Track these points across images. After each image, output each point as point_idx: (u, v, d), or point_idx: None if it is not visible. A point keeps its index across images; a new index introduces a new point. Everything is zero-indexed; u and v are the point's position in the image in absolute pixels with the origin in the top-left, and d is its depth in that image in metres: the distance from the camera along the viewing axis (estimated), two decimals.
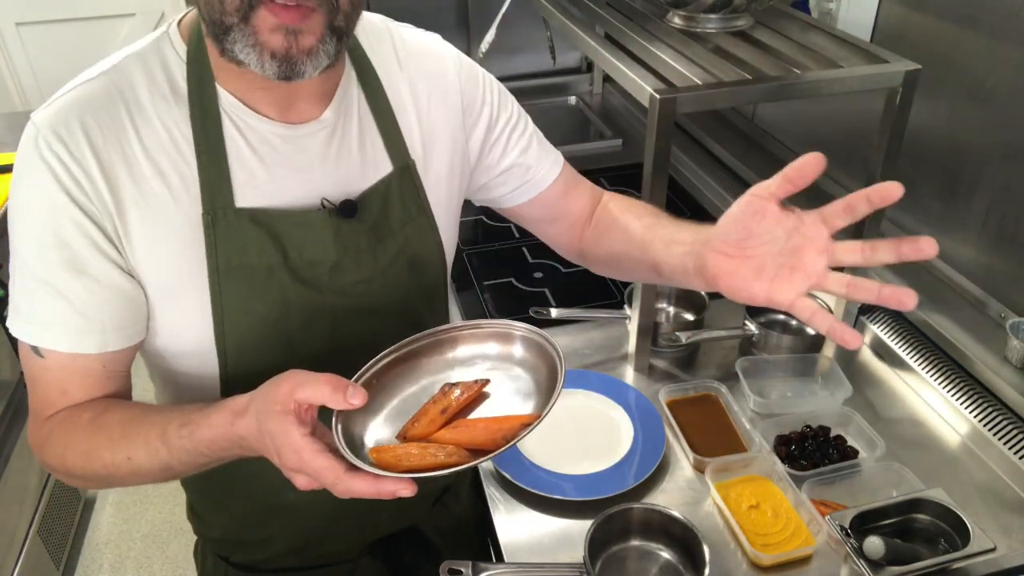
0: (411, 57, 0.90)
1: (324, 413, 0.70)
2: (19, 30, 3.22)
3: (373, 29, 0.89)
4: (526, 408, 0.75)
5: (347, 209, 0.83)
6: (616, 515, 0.94)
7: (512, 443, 0.68)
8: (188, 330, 0.81)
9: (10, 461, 1.88)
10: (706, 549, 0.89)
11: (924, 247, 0.66)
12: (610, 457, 1.08)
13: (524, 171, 0.99)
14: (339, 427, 0.70)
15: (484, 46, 1.73)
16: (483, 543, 1.17)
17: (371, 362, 0.78)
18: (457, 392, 0.76)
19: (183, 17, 0.81)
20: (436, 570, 0.91)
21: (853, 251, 0.69)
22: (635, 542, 0.96)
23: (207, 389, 0.86)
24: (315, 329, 0.85)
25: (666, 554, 0.95)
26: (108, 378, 0.81)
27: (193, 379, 0.86)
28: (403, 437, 0.74)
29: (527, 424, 0.69)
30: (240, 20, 0.67)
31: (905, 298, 0.66)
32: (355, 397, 0.68)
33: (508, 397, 0.77)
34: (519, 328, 0.80)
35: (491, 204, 1.04)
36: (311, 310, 0.84)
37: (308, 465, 0.66)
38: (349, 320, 0.87)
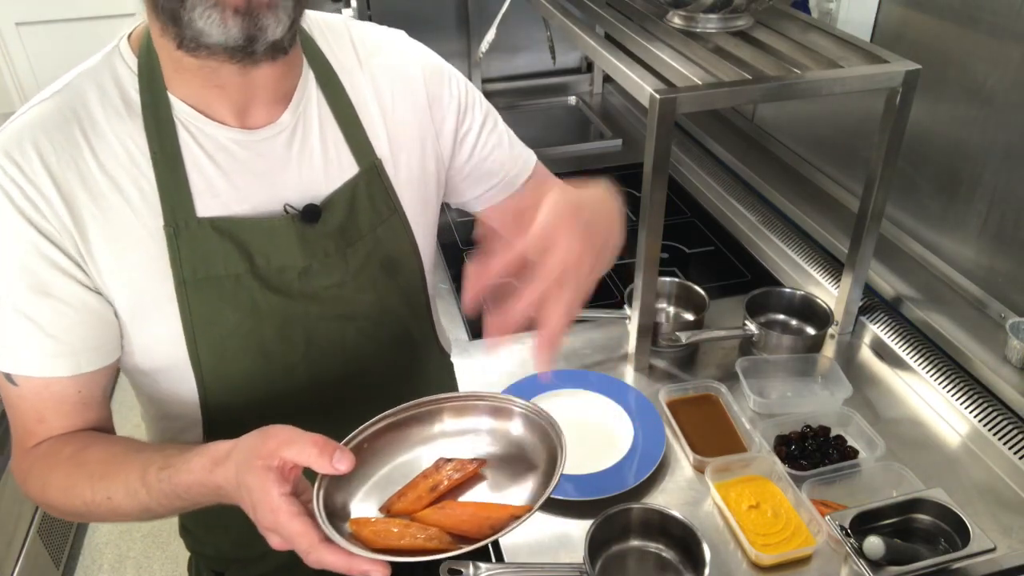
0: (372, 55, 0.88)
1: (311, 471, 0.68)
2: (19, 30, 3.22)
3: (331, 29, 0.88)
4: (520, 493, 0.72)
5: (310, 214, 0.81)
6: (616, 515, 0.94)
7: (498, 535, 0.65)
8: (160, 345, 0.80)
9: (10, 461, 1.88)
10: (706, 549, 0.89)
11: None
12: (610, 457, 1.08)
13: (498, 168, 0.97)
14: (321, 492, 0.67)
15: (484, 46, 1.73)
16: (485, 546, 1.17)
17: (364, 425, 0.75)
18: (450, 469, 0.72)
19: (132, 31, 0.80)
20: (435, 572, 0.91)
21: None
22: (635, 542, 0.96)
23: (188, 404, 0.85)
24: (290, 337, 0.84)
25: (666, 554, 0.95)
26: (85, 405, 0.80)
27: (173, 395, 0.85)
28: (387, 510, 0.71)
29: (517, 516, 0.66)
30: None
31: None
32: (341, 462, 0.65)
33: (502, 480, 0.74)
34: (521, 405, 0.77)
35: (465, 207, 1.02)
36: (283, 318, 0.83)
37: (283, 527, 0.64)
38: (324, 326, 0.86)
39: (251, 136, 0.79)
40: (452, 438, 0.78)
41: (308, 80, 0.83)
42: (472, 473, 0.73)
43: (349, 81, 0.86)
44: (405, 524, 0.67)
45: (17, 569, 1.85)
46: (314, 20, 0.87)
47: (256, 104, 0.79)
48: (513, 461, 0.75)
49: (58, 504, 0.79)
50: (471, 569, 0.90)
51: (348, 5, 1.99)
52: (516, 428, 0.77)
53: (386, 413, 0.77)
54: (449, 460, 0.74)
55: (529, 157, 1.01)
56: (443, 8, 2.19)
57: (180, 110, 0.77)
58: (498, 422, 0.78)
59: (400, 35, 0.93)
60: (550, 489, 0.67)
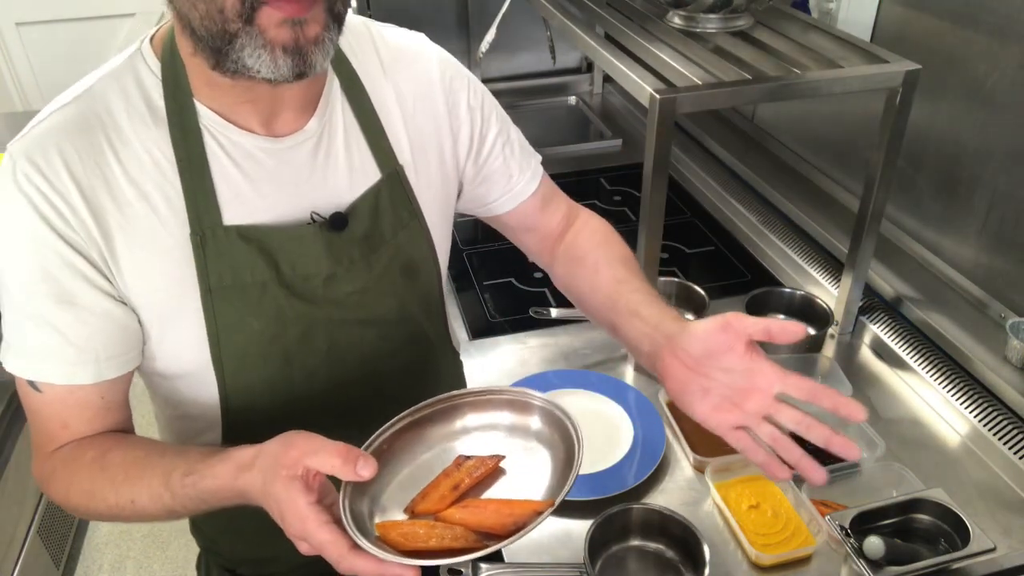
0: (395, 60, 0.88)
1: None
2: (19, 30, 3.22)
3: (354, 33, 0.87)
4: (540, 486, 0.73)
5: (337, 222, 0.81)
6: (616, 515, 0.94)
7: (523, 533, 0.66)
8: (184, 352, 0.80)
9: (10, 461, 1.88)
10: (706, 549, 0.89)
11: (854, 412, 0.70)
12: (610, 457, 1.08)
13: (507, 180, 0.98)
14: (347, 500, 0.69)
15: (484, 46, 1.73)
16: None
17: (384, 427, 0.76)
18: (470, 466, 0.74)
19: (155, 33, 0.79)
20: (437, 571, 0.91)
21: (792, 419, 0.72)
22: (635, 542, 0.96)
23: (207, 409, 0.85)
24: (312, 342, 0.84)
25: (666, 554, 0.95)
26: (107, 409, 0.80)
27: (193, 398, 0.85)
28: (411, 511, 0.72)
29: (539, 512, 0.68)
30: (244, 23, 0.65)
31: (852, 450, 0.70)
32: (365, 469, 0.67)
33: (522, 474, 0.75)
34: (537, 399, 0.78)
35: (469, 212, 1.03)
36: (307, 323, 0.83)
37: (312, 537, 0.66)
38: (346, 331, 0.86)
39: (278, 144, 0.79)
40: (471, 434, 0.79)
41: (333, 86, 0.83)
42: (492, 469, 0.75)
43: (372, 86, 0.86)
44: (431, 525, 0.69)
45: (17, 569, 1.84)
46: None
47: (283, 112, 0.79)
48: (531, 454, 0.77)
49: (81, 507, 0.80)
50: (471, 569, 0.90)
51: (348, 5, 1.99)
52: (533, 422, 0.78)
53: (404, 413, 0.78)
54: (468, 457, 0.75)
55: (537, 169, 1.02)
56: (443, 8, 2.19)
57: (206, 117, 0.76)
58: (515, 416, 0.79)
59: (421, 39, 0.93)
60: (569, 484, 0.68)
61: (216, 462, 0.72)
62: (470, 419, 0.80)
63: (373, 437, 0.75)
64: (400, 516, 0.73)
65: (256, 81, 0.70)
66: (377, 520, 0.71)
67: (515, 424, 0.78)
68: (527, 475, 0.75)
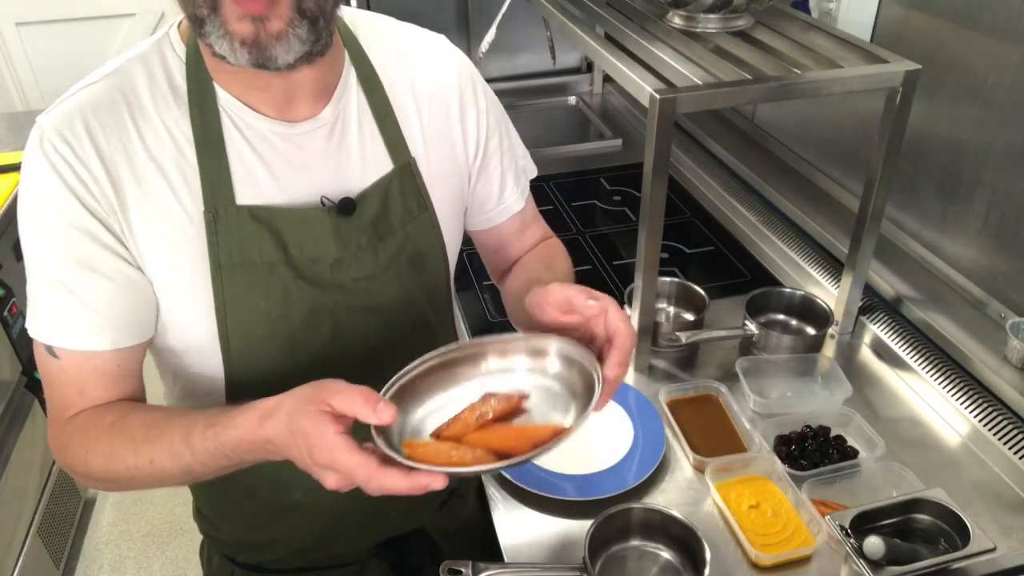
0: (412, 56, 0.90)
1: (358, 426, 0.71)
2: (19, 30, 3.22)
3: (373, 28, 0.90)
4: (563, 423, 0.75)
5: (346, 207, 0.83)
6: (616, 515, 0.94)
7: (541, 451, 0.67)
8: (192, 327, 0.82)
9: (10, 461, 1.88)
10: (706, 549, 0.89)
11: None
12: (610, 457, 1.08)
13: (500, 192, 1.00)
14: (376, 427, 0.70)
15: (484, 46, 1.73)
16: (489, 545, 1.17)
17: (414, 363, 0.78)
18: (495, 401, 0.76)
19: (183, 19, 0.81)
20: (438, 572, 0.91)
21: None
22: (635, 542, 0.96)
23: (213, 386, 0.86)
24: (317, 326, 0.86)
25: (666, 554, 0.95)
26: (123, 377, 0.82)
27: (200, 376, 0.86)
28: (436, 436, 0.75)
29: (558, 434, 0.69)
30: (210, 11, 0.68)
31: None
32: (384, 413, 0.67)
33: (545, 412, 0.77)
34: (559, 341, 0.80)
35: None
36: (313, 307, 0.84)
37: (341, 462, 0.66)
38: (351, 317, 0.87)
39: (292, 129, 0.81)
40: (496, 375, 0.81)
41: (349, 76, 0.85)
42: (515, 406, 0.77)
43: (388, 80, 0.88)
44: (454, 446, 0.71)
45: (17, 569, 1.85)
46: (358, 18, 0.89)
47: (298, 99, 0.81)
48: (554, 394, 0.79)
49: (100, 472, 0.81)
50: (471, 569, 0.90)
51: (347, 3, 1.99)
52: (554, 364, 0.80)
53: (434, 352, 0.79)
54: (494, 394, 0.77)
55: (525, 189, 1.04)
56: (443, 8, 2.19)
57: (225, 100, 0.79)
58: (538, 360, 0.81)
59: (441, 40, 0.95)
60: (588, 412, 0.70)
61: (238, 413, 0.73)
62: (497, 362, 0.81)
63: (401, 373, 0.77)
64: (427, 440, 0.75)
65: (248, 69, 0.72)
66: (404, 440, 0.73)
67: (539, 366, 0.81)
68: (549, 412, 0.77)
